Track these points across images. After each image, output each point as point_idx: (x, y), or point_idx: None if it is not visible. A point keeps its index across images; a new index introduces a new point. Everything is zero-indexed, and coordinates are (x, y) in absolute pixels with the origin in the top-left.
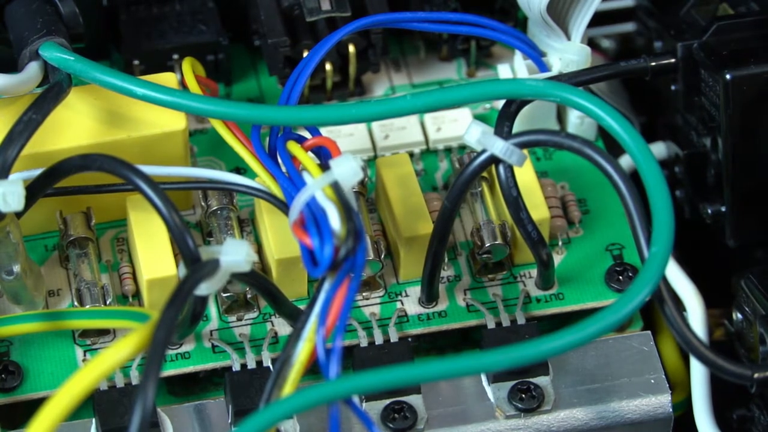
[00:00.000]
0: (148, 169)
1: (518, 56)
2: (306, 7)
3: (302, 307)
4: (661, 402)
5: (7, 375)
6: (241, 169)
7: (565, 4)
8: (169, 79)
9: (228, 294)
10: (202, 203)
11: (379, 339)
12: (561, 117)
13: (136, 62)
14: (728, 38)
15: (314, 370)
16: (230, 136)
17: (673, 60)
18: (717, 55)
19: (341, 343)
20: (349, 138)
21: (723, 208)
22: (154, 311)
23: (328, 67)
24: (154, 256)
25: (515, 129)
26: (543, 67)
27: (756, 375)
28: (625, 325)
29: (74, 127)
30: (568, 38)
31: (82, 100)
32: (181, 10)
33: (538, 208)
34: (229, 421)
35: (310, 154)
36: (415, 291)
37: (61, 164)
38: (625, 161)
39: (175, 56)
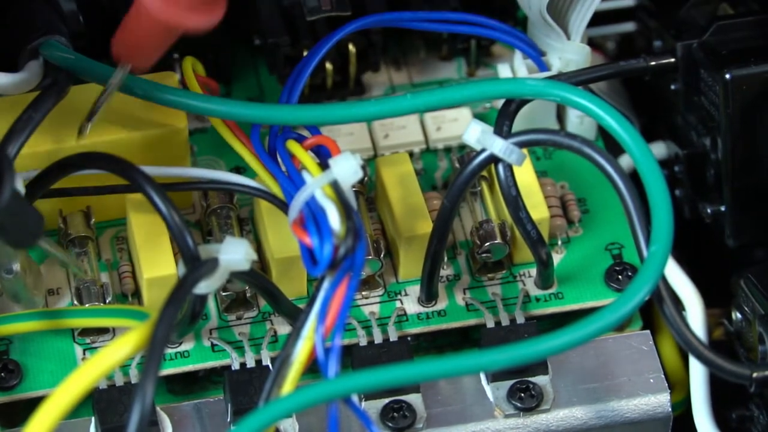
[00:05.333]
0: (148, 170)
1: (518, 55)
2: (306, 6)
3: (301, 305)
4: (660, 401)
5: (7, 373)
6: (241, 168)
7: (565, 4)
8: (169, 78)
9: (227, 293)
10: (202, 202)
11: (378, 338)
12: (561, 116)
13: None
14: (728, 38)
15: (313, 368)
16: (230, 136)
17: (672, 60)
18: (717, 54)
19: (340, 342)
20: (348, 137)
21: (722, 208)
22: (154, 310)
23: (328, 66)
24: (154, 255)
25: (515, 128)
26: (543, 66)
27: (755, 374)
28: (625, 324)
29: (74, 125)
30: (568, 38)
31: (82, 99)
32: None
33: (537, 208)
34: (229, 420)
35: (309, 153)
36: (415, 290)
37: (61, 163)
38: (625, 161)
39: (175, 55)
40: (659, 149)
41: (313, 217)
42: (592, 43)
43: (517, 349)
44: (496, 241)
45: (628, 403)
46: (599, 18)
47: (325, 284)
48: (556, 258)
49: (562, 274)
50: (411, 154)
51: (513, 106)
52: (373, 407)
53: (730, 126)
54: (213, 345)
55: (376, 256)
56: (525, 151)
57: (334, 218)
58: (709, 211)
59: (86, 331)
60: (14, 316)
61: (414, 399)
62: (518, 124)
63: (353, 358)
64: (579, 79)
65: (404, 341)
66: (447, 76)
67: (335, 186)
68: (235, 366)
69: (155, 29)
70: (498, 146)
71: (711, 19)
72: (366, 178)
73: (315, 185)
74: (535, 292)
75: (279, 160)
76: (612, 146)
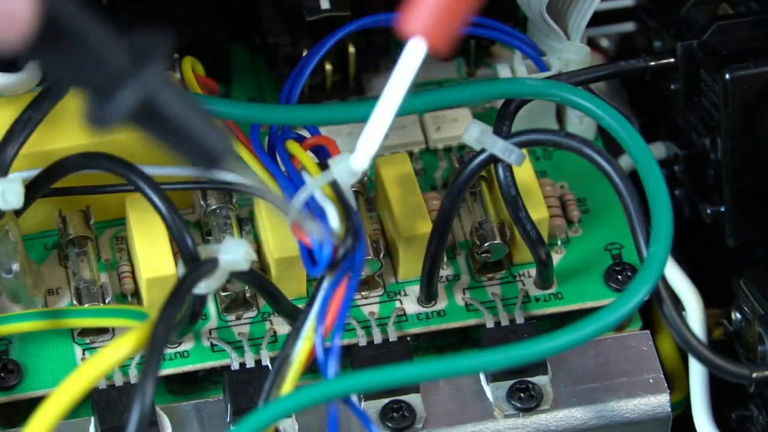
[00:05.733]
0: (148, 169)
1: (518, 56)
2: (306, 6)
3: (301, 306)
4: (659, 401)
5: (7, 373)
6: None
7: (565, 4)
8: None
9: (227, 293)
10: (201, 202)
11: (377, 338)
12: (560, 116)
13: None
14: (728, 38)
15: (313, 369)
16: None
17: (672, 60)
18: (717, 54)
19: (340, 342)
20: (348, 137)
21: (722, 208)
22: (153, 310)
23: (327, 66)
24: (154, 255)
25: (515, 128)
26: (543, 66)
27: (755, 374)
28: (624, 324)
29: (73, 125)
30: (568, 38)
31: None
32: (181, 8)
33: (537, 208)
34: (228, 420)
35: (309, 153)
36: (414, 290)
37: (60, 163)
38: (625, 161)
39: (175, 55)
40: (659, 149)
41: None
42: (592, 43)
43: (516, 349)
44: (495, 241)
45: (627, 404)
46: (599, 18)
47: (325, 284)
48: (556, 258)
49: (562, 274)
50: (411, 154)
51: (513, 106)
52: (372, 407)
53: (730, 126)
54: (212, 345)
55: (375, 256)
56: (525, 151)
57: (334, 218)
58: (709, 211)
59: (86, 331)
60: (14, 316)
61: (414, 399)
62: (518, 124)
63: (353, 358)
64: (579, 79)
65: (404, 341)
66: (447, 76)
67: (334, 186)
68: (235, 366)
69: None
70: (498, 146)
71: (711, 19)
72: (366, 178)
73: (314, 185)
74: (534, 292)
75: (278, 160)
76: (612, 146)
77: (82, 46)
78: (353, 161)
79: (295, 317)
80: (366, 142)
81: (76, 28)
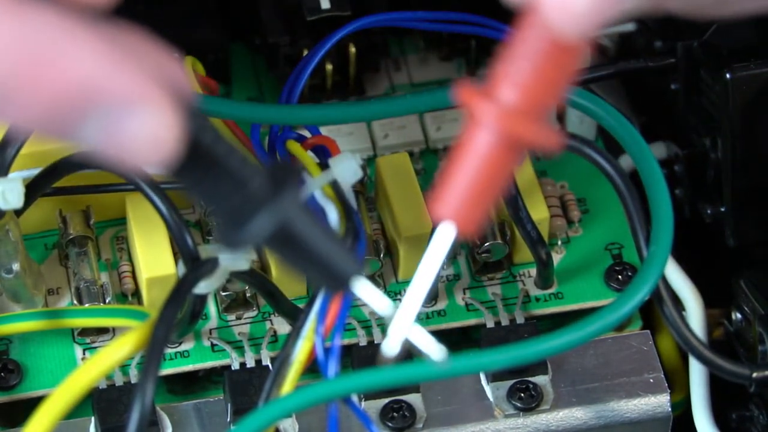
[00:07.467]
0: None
1: None
2: (306, 5)
3: (301, 305)
4: (659, 401)
5: (7, 373)
6: None
7: None
8: None
9: (227, 292)
10: (202, 202)
11: (378, 338)
12: (560, 116)
13: None
14: (728, 38)
15: (313, 368)
16: (230, 135)
17: (673, 60)
18: (717, 54)
19: (340, 342)
20: (348, 137)
21: (722, 208)
22: (154, 310)
23: (328, 66)
24: (154, 255)
25: None
26: None
27: (755, 374)
28: (624, 324)
29: None
30: None
31: None
32: (182, 8)
33: (537, 208)
34: (228, 419)
35: (309, 153)
36: None
37: (60, 162)
38: (625, 161)
39: (176, 55)
40: (659, 149)
41: None
42: (592, 43)
43: (517, 349)
44: (495, 241)
45: (627, 403)
46: None
47: None
48: (556, 258)
49: (562, 274)
50: (411, 154)
51: None
52: (372, 407)
53: (730, 126)
54: (213, 345)
55: (375, 256)
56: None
57: (334, 218)
58: (709, 211)
59: (86, 331)
60: (14, 315)
61: (414, 399)
62: None
63: (353, 358)
64: (579, 78)
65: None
66: (447, 76)
67: (335, 186)
68: (235, 366)
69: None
70: None
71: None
72: (366, 178)
73: (315, 185)
74: (535, 292)
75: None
76: (612, 146)
77: (222, 170)
78: (386, 343)
79: (296, 317)
80: (399, 325)
81: (218, 153)
